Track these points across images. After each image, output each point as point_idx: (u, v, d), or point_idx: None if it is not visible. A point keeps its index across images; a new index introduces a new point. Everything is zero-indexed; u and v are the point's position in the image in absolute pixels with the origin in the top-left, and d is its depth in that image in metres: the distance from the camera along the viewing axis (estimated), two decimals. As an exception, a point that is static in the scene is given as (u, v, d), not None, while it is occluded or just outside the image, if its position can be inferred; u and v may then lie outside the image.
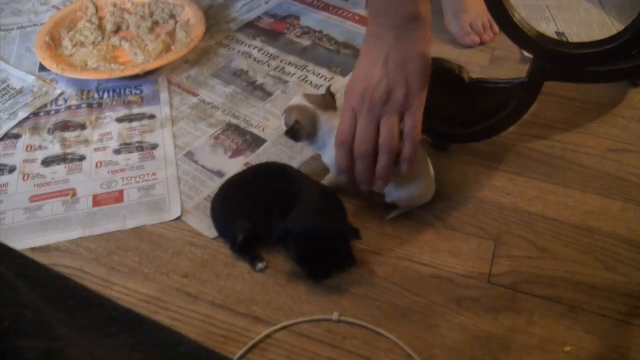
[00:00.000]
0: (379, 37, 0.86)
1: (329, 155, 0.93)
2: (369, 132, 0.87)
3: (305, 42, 1.32)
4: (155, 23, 1.35)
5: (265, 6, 1.43)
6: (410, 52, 0.86)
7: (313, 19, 1.39)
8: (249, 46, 1.31)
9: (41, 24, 1.39)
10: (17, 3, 1.51)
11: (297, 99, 0.95)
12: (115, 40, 1.31)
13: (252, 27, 1.37)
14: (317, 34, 1.34)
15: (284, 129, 0.93)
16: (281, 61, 1.27)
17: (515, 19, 0.92)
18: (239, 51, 1.30)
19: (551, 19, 1.40)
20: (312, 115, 0.92)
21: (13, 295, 0.35)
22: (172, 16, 1.36)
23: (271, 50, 1.30)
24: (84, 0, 1.40)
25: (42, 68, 1.27)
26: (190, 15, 1.34)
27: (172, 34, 1.31)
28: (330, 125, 0.92)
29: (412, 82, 0.86)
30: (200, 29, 1.29)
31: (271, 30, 1.36)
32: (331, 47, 1.30)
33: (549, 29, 1.36)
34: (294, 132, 0.92)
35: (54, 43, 1.30)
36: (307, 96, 0.95)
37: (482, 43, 1.34)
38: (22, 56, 1.33)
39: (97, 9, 1.39)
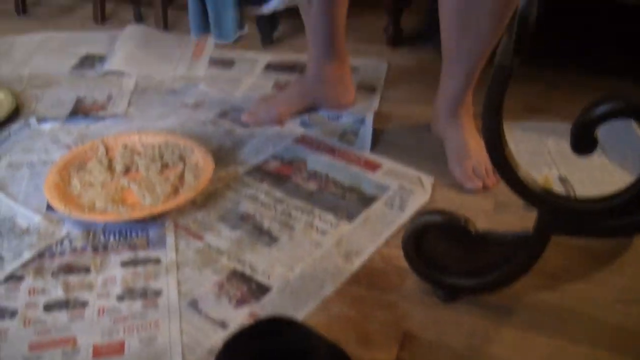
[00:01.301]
0: None
1: None
2: None
3: (312, 186, 1.33)
4: (165, 165, 1.38)
5: (273, 150, 1.46)
6: None
7: (319, 162, 1.41)
8: (256, 190, 1.33)
9: (52, 162, 1.42)
10: (29, 140, 1.54)
11: None
12: (124, 181, 1.33)
13: (259, 171, 1.39)
14: (323, 178, 1.36)
15: None
16: (288, 205, 1.28)
17: (519, 175, 0.93)
18: (246, 194, 1.31)
19: (553, 164, 1.42)
20: None
21: None
22: (182, 159, 1.39)
23: (278, 194, 1.31)
24: (95, 141, 1.43)
25: (49, 207, 1.28)
26: (199, 158, 1.37)
27: (181, 177, 1.33)
28: None
29: None
30: (208, 172, 1.31)
31: (278, 174, 1.38)
32: (337, 192, 1.32)
33: (551, 174, 1.38)
34: None
35: (63, 183, 1.31)
36: None
37: (485, 188, 1.35)
38: (30, 194, 1.34)
39: (107, 150, 1.42)
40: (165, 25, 2.25)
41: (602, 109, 0.85)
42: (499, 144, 0.91)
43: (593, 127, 0.88)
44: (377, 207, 1.28)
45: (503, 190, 1.33)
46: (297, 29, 2.15)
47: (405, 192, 1.31)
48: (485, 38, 1.34)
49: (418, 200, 1.30)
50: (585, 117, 0.87)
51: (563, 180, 1.36)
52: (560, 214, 0.96)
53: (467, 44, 1.37)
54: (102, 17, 2.35)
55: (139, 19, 2.36)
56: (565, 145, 1.48)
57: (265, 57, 1.99)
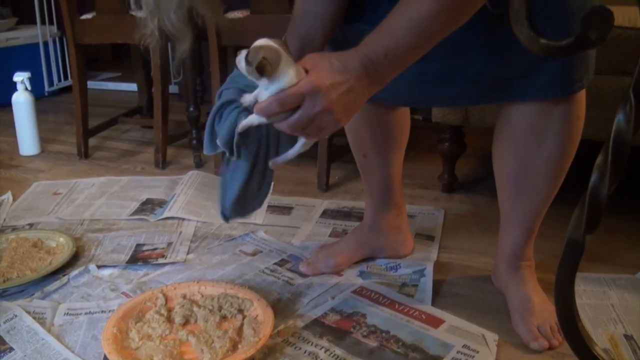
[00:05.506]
0: (369, 66, 1.03)
1: (265, 96, 1.04)
2: (301, 124, 1.04)
3: (372, 343, 1.30)
4: (224, 317, 1.36)
5: (332, 302, 1.44)
6: (363, 99, 1.06)
7: (379, 317, 1.38)
8: (315, 346, 1.29)
9: (110, 310, 1.41)
10: (87, 287, 1.54)
11: (264, 41, 1.03)
12: (182, 334, 1.31)
13: (318, 325, 1.36)
14: (384, 334, 1.32)
15: (242, 66, 1.03)
16: (348, 364, 1.24)
17: (595, 352, 0.89)
18: (305, 351, 1.28)
19: (618, 321, 1.37)
20: (278, 56, 1.02)
21: None
22: (240, 311, 1.37)
23: (338, 351, 1.27)
24: (154, 290, 1.43)
25: (106, 358, 1.26)
26: (259, 311, 1.35)
27: (239, 331, 1.31)
28: (285, 70, 1.01)
29: (345, 116, 1.06)
30: (268, 327, 1.28)
31: (338, 328, 1.35)
32: (399, 350, 1.27)
33: (616, 332, 1.33)
34: (261, 68, 1.01)
35: (121, 335, 1.30)
36: (272, 40, 1.04)
37: (551, 347, 1.30)
38: (87, 345, 1.32)
39: (166, 300, 1.41)
40: (225, 170, 2.30)
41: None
42: (572, 319, 0.88)
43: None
44: (442, 368, 1.23)
45: (570, 351, 1.28)
46: (352, 174, 2.19)
47: (470, 352, 1.27)
48: (542, 198, 1.34)
49: (483, 361, 1.25)
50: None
51: (629, 338, 1.31)
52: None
53: (524, 205, 1.37)
54: (163, 163, 2.42)
55: (199, 164, 2.43)
56: (629, 298, 1.45)
57: (322, 203, 2.02)
